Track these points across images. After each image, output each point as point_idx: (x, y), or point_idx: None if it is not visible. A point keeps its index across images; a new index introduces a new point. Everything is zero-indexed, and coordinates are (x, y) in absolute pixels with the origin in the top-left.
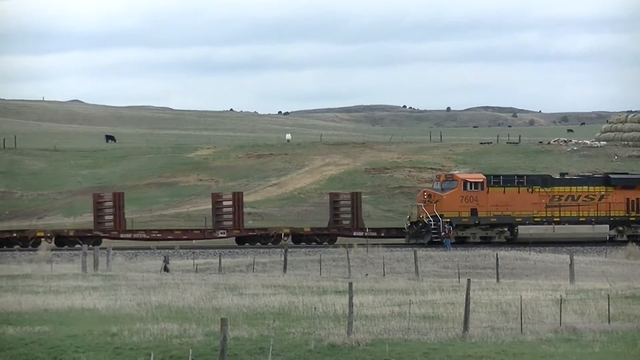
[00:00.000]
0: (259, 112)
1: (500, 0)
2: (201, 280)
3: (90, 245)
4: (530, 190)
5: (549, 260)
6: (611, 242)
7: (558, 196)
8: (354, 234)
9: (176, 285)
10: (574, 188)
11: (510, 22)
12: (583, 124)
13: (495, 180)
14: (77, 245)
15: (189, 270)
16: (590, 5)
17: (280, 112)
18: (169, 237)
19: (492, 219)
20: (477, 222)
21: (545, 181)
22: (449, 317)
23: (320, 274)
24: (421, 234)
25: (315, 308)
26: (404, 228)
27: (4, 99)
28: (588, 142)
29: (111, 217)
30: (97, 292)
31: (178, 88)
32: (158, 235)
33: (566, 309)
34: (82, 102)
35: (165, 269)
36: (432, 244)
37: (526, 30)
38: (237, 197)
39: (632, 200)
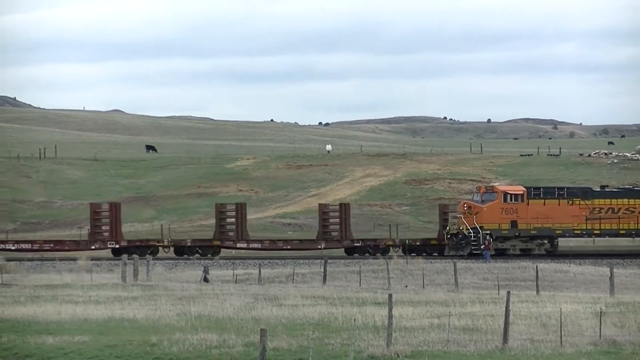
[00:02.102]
0: (299, 123)
1: (540, 11)
2: (241, 290)
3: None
4: (570, 202)
5: (589, 272)
6: None
7: (598, 208)
8: (238, 245)
9: (215, 295)
10: (614, 200)
11: (550, 33)
12: (623, 136)
13: (535, 192)
14: None
15: (229, 280)
16: (629, 16)
17: (320, 123)
18: (44, 248)
19: (532, 231)
20: (517, 234)
21: (586, 193)
22: (488, 329)
23: (360, 285)
24: (461, 246)
25: (354, 319)
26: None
27: (44, 108)
28: (628, 154)
29: None
30: (136, 302)
31: (218, 98)
32: (28, 247)
33: (606, 322)
34: (123, 111)
35: (205, 279)
36: (471, 255)
37: (566, 41)
38: (115, 208)
39: None
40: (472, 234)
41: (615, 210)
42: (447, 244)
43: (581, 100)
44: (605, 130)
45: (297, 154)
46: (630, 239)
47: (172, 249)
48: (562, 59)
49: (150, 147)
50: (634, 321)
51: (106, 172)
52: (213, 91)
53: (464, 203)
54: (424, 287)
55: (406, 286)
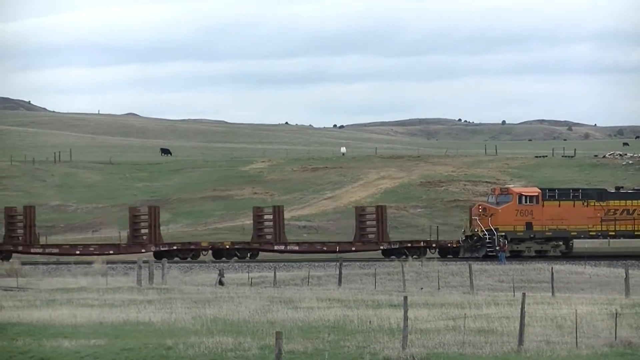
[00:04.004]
0: (314, 126)
1: (554, 12)
2: (256, 293)
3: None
4: (585, 204)
5: (604, 274)
6: None
7: (613, 210)
8: (32, 250)
9: (231, 298)
10: (629, 202)
11: (564, 34)
12: (638, 137)
13: (550, 193)
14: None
15: (244, 283)
16: None
17: (335, 126)
18: None
19: (547, 233)
20: (532, 235)
21: (601, 195)
22: (504, 331)
23: (375, 287)
24: (476, 248)
25: (370, 322)
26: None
27: (59, 112)
28: None
29: None
30: (152, 305)
31: (233, 101)
32: None
33: (621, 323)
34: (138, 115)
35: (221, 283)
36: (487, 257)
37: (581, 42)
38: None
39: None
40: (487, 236)
41: (631, 212)
42: (462, 245)
43: (596, 102)
44: (620, 132)
45: (311, 157)
46: None
47: None
48: (576, 60)
49: (165, 151)
50: None
51: (121, 176)
52: (228, 94)
53: (479, 205)
54: (439, 289)
55: (421, 288)
